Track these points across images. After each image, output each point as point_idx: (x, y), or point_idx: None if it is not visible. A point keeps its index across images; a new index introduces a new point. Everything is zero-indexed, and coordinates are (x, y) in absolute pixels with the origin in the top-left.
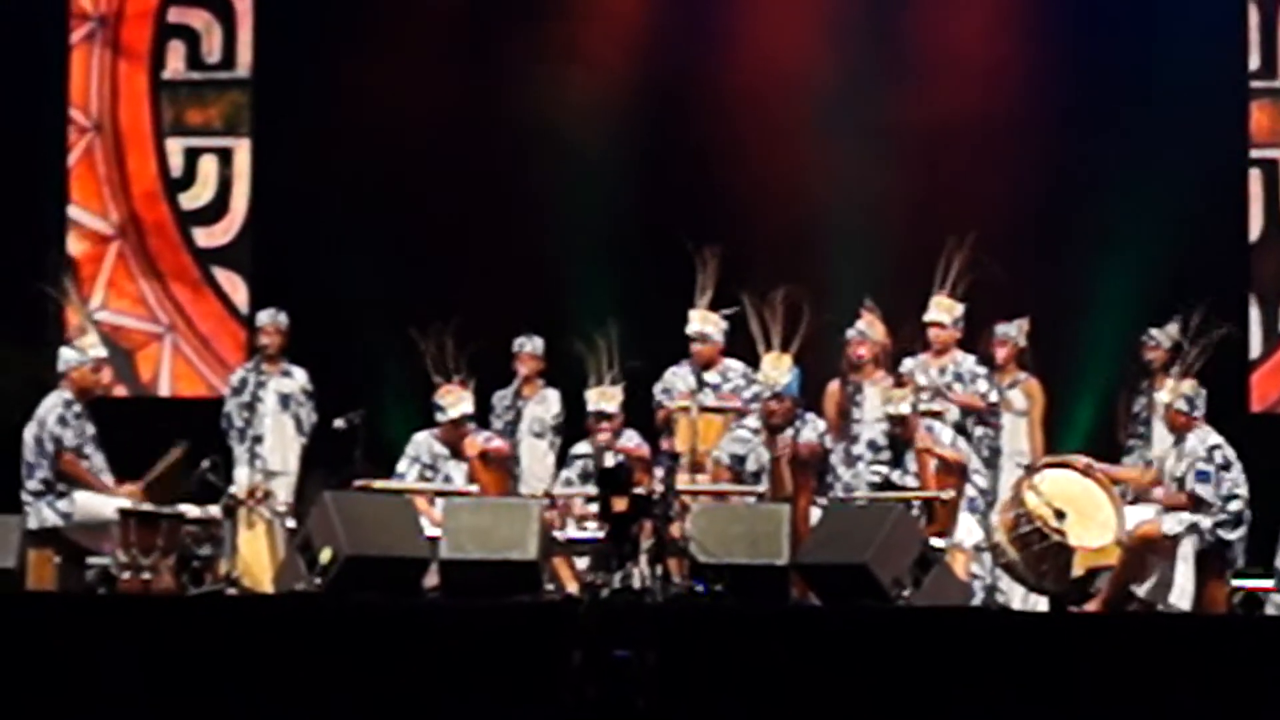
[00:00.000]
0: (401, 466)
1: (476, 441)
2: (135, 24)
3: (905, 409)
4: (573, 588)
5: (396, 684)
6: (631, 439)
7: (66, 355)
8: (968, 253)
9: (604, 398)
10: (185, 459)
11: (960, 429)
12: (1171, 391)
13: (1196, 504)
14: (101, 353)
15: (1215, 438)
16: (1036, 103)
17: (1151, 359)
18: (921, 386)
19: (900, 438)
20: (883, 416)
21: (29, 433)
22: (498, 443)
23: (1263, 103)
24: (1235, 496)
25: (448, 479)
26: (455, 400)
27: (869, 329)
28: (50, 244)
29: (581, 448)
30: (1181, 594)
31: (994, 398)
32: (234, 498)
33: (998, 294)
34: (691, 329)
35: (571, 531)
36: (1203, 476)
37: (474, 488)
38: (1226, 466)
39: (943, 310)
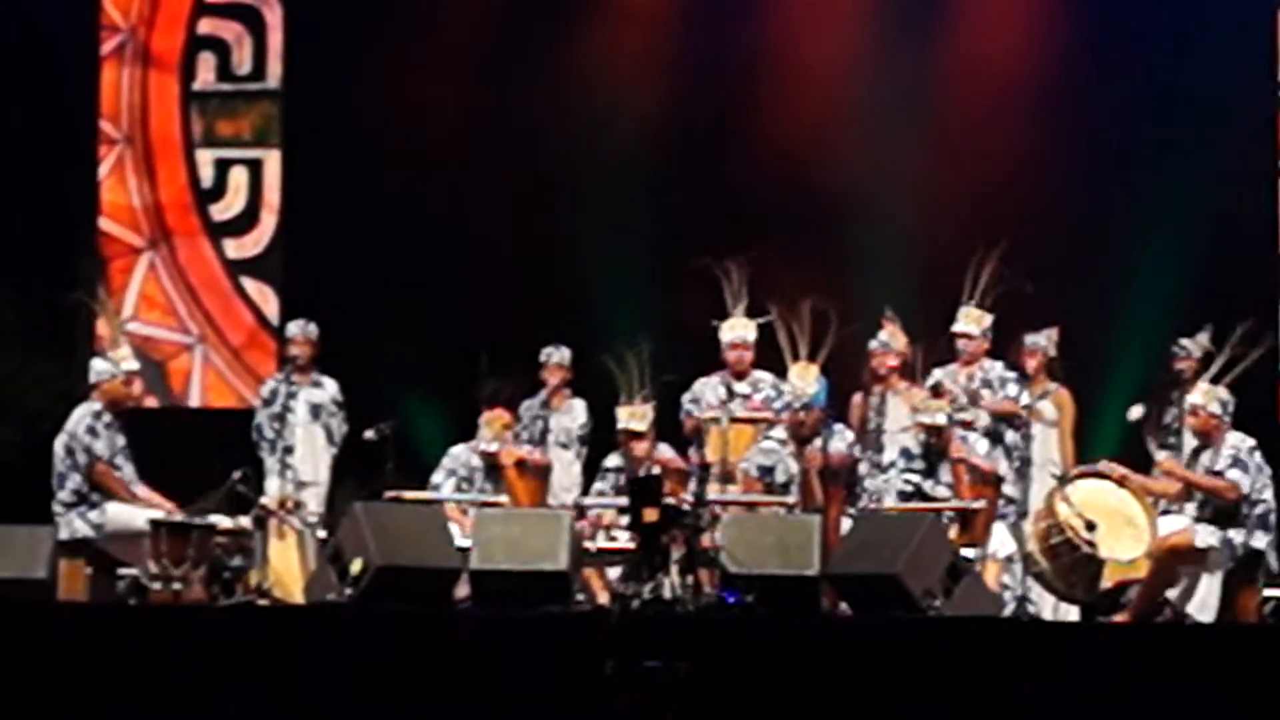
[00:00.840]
0: (437, 478)
1: (515, 450)
2: (165, 35)
3: (941, 419)
4: (604, 598)
5: (427, 694)
6: (665, 451)
7: (99, 367)
8: (996, 263)
9: (634, 417)
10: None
11: (992, 435)
12: (1205, 394)
13: (1231, 487)
14: (134, 365)
15: (1251, 440)
16: (1066, 113)
17: (1182, 369)
18: (953, 395)
19: (935, 448)
20: (910, 426)
21: (59, 443)
22: (538, 454)
23: None
24: (1262, 500)
25: (483, 492)
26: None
27: (891, 340)
28: (81, 256)
29: (613, 460)
30: (1202, 607)
31: (1026, 400)
32: (265, 508)
33: (1027, 304)
34: (734, 335)
35: (603, 541)
36: (1241, 466)
37: (504, 499)
38: (1260, 469)
39: (971, 321)
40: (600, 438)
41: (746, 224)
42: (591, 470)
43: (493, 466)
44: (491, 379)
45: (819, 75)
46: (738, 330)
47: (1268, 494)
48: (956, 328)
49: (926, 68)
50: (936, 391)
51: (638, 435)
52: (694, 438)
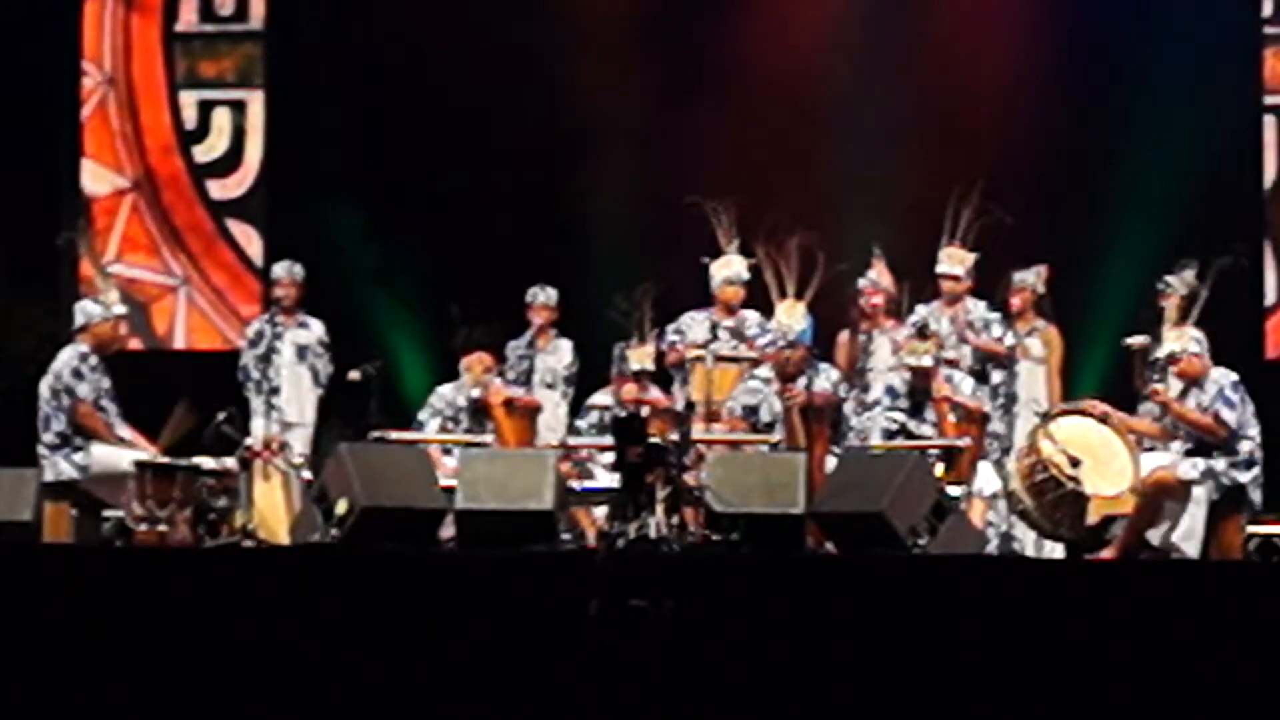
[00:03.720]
0: (423, 417)
1: (502, 389)
2: None
3: (928, 361)
4: (594, 536)
5: (413, 635)
6: (654, 391)
7: (89, 309)
8: (976, 200)
9: (644, 357)
10: (192, 409)
11: (977, 374)
12: (1179, 339)
13: (1220, 425)
14: (122, 310)
15: (1234, 375)
16: (1052, 51)
17: (1166, 306)
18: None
19: (920, 388)
20: (897, 365)
21: (45, 385)
22: (525, 395)
23: (1277, 49)
24: (1248, 436)
25: (469, 433)
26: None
27: (880, 278)
28: (65, 199)
29: (599, 398)
30: (1188, 536)
31: (1010, 340)
32: (250, 449)
33: (1014, 241)
34: (729, 272)
35: (591, 482)
36: (1229, 403)
37: (489, 438)
38: (1245, 402)
39: (955, 262)
40: (587, 378)
41: (731, 164)
42: (578, 411)
43: (479, 408)
44: (464, 327)
45: (801, 15)
46: (734, 267)
47: (1253, 430)
48: (940, 268)
49: (909, 5)
50: (922, 333)
51: (650, 374)
52: (676, 368)
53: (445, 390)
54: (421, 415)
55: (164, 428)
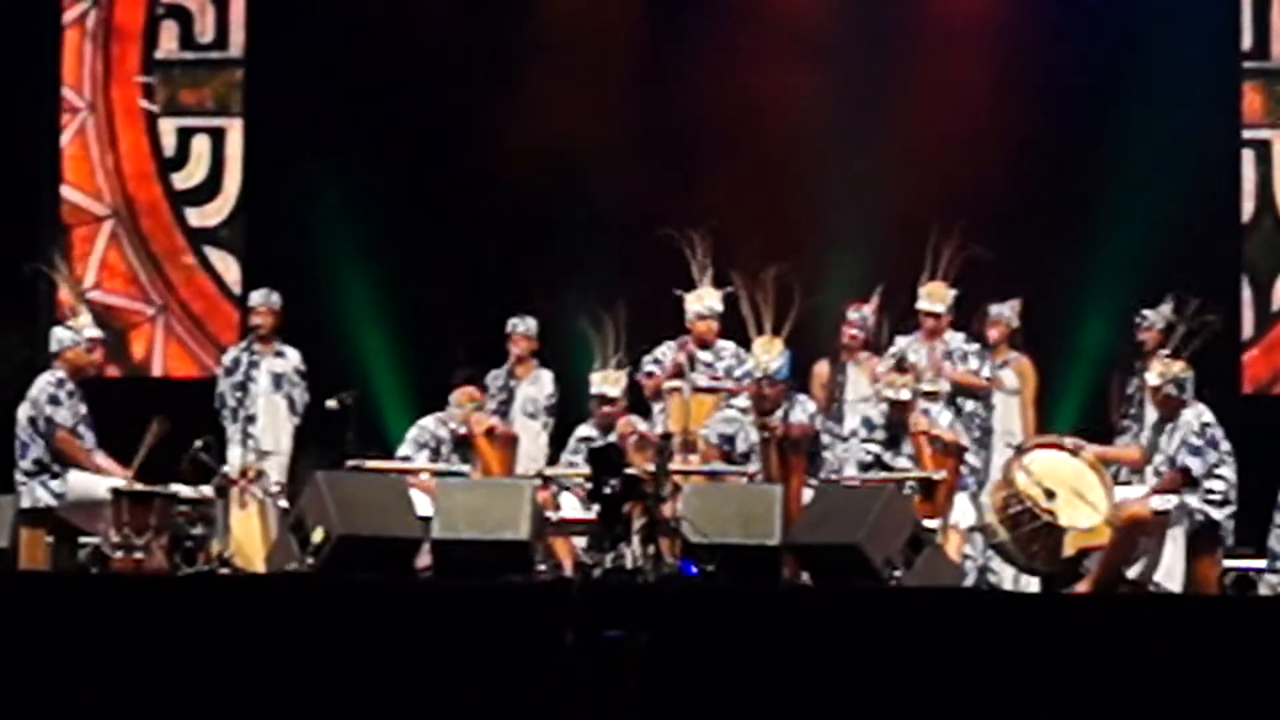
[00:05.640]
0: (407, 450)
1: (483, 418)
2: (128, 4)
3: (905, 395)
4: (569, 567)
5: (389, 664)
6: (638, 423)
7: (60, 335)
8: (958, 239)
9: (607, 381)
10: (166, 431)
11: (953, 406)
12: (1160, 374)
13: (1185, 476)
14: (96, 333)
15: (1209, 415)
16: (1030, 83)
17: (1145, 339)
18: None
19: (897, 420)
20: (873, 397)
21: (22, 412)
22: (502, 425)
23: (1255, 83)
24: (1220, 476)
25: (450, 463)
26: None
27: (869, 316)
28: (43, 225)
29: (584, 430)
30: (1169, 574)
31: (987, 373)
32: (226, 477)
33: (990, 275)
34: (701, 306)
35: (569, 511)
36: (1194, 450)
37: (467, 468)
38: (1214, 444)
39: (936, 299)
40: (568, 409)
41: (708, 196)
42: (559, 441)
43: (461, 438)
44: (467, 367)
45: (784, 45)
46: (706, 300)
47: (1226, 470)
48: (921, 305)
49: (889, 41)
50: (901, 366)
51: (610, 401)
52: (653, 397)
53: (427, 422)
54: (405, 449)
55: (138, 451)
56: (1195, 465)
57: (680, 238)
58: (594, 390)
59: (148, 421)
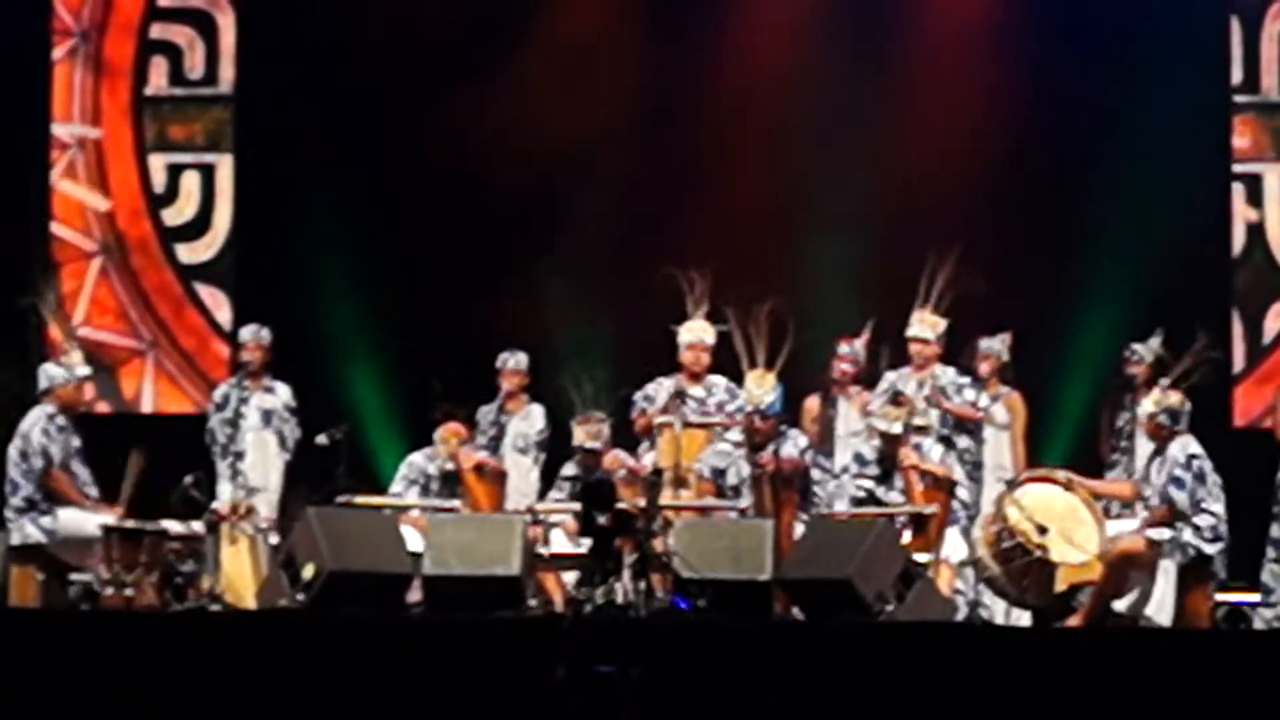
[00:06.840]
0: (398, 488)
1: (472, 455)
2: (117, 40)
3: (898, 429)
4: (559, 602)
5: (380, 700)
6: (627, 460)
7: (51, 372)
8: (951, 267)
9: (589, 436)
10: (145, 463)
11: (946, 440)
12: (1156, 403)
13: (1171, 509)
14: (86, 371)
15: (1196, 448)
16: (1021, 116)
17: (1134, 373)
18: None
19: (889, 454)
20: (861, 430)
21: (13, 448)
22: (492, 460)
23: (1245, 117)
24: (1208, 510)
25: (440, 499)
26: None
27: (860, 351)
28: (33, 261)
29: (570, 470)
30: (1160, 608)
31: (984, 403)
32: (217, 514)
33: (981, 308)
34: (691, 337)
35: (557, 546)
36: (1178, 483)
37: (456, 503)
38: (1201, 478)
39: (926, 326)
40: (559, 444)
41: (701, 230)
42: (550, 476)
43: (449, 474)
44: (446, 403)
45: (774, 80)
46: (695, 332)
47: (1215, 505)
48: (911, 332)
49: (881, 73)
50: (896, 400)
51: (593, 454)
52: (645, 436)
53: (416, 458)
54: (396, 486)
55: (121, 484)
56: (1179, 498)
57: (680, 276)
58: (575, 443)
59: (145, 460)
